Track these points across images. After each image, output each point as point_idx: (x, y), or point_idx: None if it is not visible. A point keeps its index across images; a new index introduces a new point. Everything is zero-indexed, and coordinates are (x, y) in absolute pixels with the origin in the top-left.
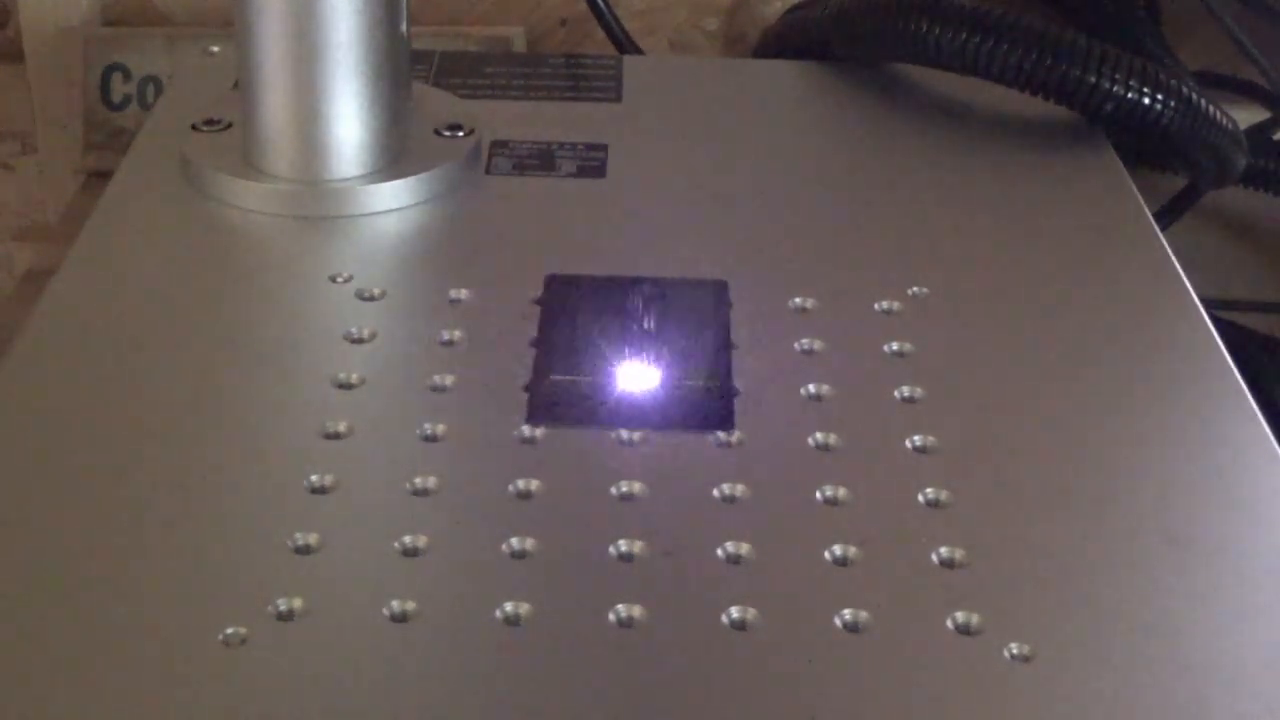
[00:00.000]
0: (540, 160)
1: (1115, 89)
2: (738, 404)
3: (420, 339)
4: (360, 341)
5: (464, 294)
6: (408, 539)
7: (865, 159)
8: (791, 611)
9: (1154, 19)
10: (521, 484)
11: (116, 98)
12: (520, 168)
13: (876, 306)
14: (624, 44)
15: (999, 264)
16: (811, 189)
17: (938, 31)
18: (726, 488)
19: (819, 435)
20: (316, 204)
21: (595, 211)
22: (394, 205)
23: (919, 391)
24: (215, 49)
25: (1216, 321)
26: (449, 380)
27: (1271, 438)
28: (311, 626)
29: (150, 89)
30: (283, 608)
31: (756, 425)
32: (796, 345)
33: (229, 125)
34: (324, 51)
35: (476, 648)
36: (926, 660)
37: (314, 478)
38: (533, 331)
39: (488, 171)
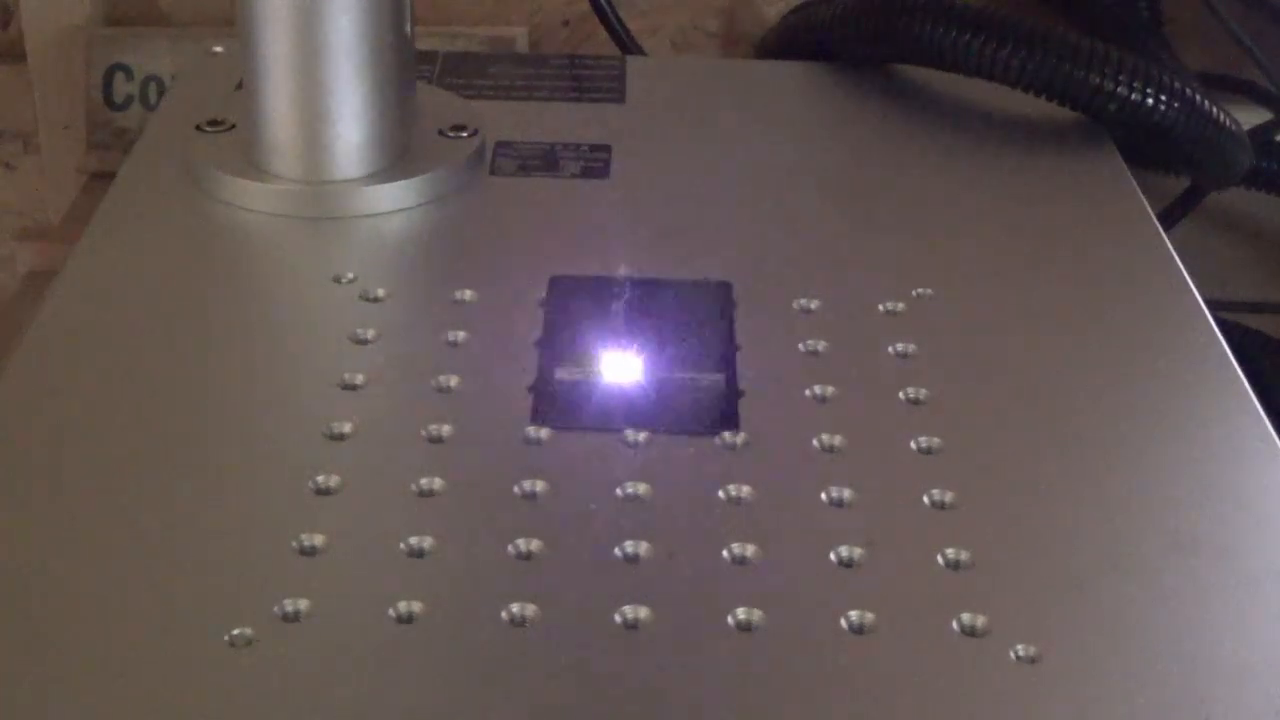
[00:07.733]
0: (544, 161)
1: (1118, 90)
2: (742, 405)
3: (424, 340)
4: (364, 343)
5: (468, 295)
6: (413, 540)
7: (868, 160)
8: (797, 613)
9: (1156, 20)
10: (526, 485)
11: (119, 98)
12: (524, 168)
13: (881, 308)
14: (627, 44)
15: (1002, 265)
16: (815, 190)
17: (941, 32)
18: (732, 489)
19: (824, 437)
20: (320, 204)
21: (599, 212)
22: (398, 206)
23: (923, 393)
24: (218, 49)
25: (1220, 322)
26: (453, 381)
27: (1276, 439)
28: (317, 628)
29: (153, 89)
30: (288, 609)
31: (761, 427)
32: (801, 346)
33: (232, 126)
34: (328, 52)
35: (482, 649)
36: (932, 662)
37: (319, 479)
38: (537, 332)
39: (491, 172)
